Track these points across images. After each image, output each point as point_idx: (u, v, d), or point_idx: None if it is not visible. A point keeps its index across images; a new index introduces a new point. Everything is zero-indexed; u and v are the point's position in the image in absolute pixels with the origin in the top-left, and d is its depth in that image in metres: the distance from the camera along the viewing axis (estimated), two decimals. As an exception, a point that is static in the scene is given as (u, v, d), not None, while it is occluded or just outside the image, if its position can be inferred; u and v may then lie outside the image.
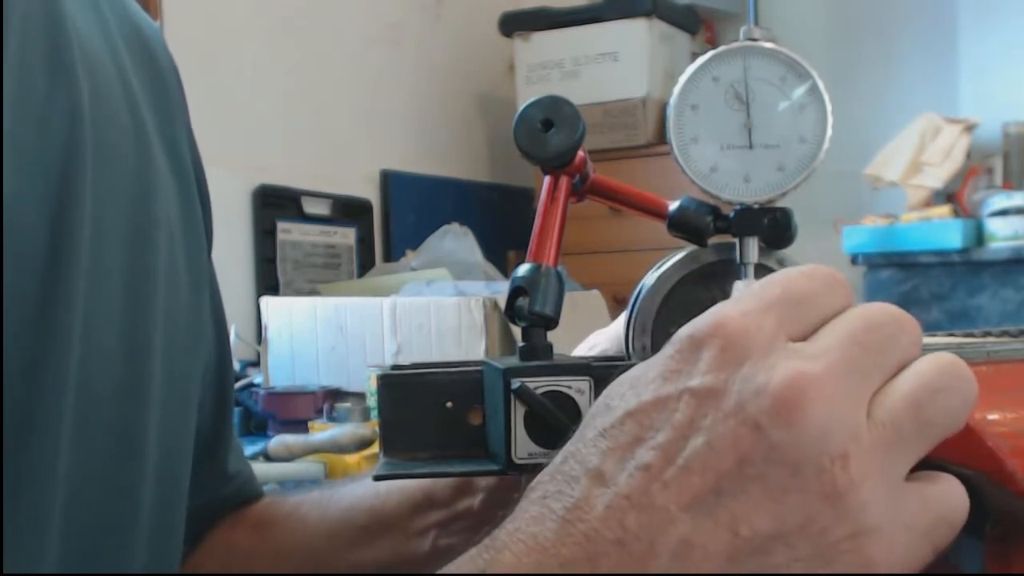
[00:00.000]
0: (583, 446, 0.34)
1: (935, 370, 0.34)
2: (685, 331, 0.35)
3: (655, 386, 0.34)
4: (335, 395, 1.70)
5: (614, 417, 0.34)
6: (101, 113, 0.45)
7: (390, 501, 0.60)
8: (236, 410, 1.73)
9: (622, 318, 0.59)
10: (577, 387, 0.43)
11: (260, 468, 1.36)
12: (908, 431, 0.33)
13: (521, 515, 0.34)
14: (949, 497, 0.34)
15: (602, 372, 0.43)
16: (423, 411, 0.46)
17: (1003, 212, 2.45)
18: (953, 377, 0.34)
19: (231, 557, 0.60)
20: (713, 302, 0.41)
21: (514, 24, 2.87)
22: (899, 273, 2.56)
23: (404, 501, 0.60)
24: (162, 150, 0.53)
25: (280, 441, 1.42)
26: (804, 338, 0.34)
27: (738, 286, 0.43)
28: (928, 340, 0.47)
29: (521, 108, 0.45)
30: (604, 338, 0.56)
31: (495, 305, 1.68)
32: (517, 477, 0.37)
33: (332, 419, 1.56)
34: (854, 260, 2.61)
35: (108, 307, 0.44)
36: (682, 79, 0.43)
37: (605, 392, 0.36)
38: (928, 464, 0.34)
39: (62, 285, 0.40)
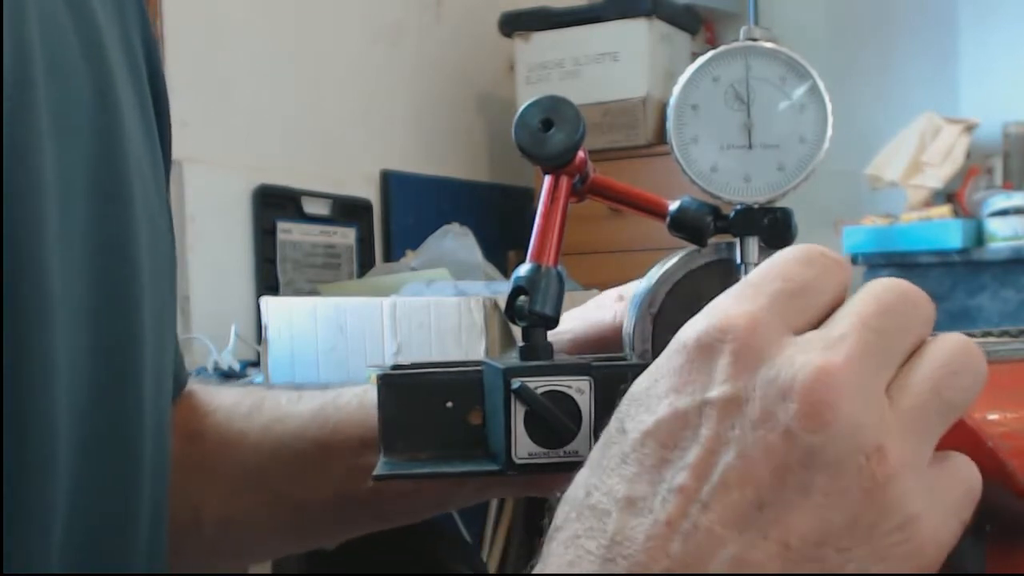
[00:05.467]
0: (605, 476, 0.33)
1: (950, 352, 0.34)
2: (690, 336, 0.33)
3: (670, 400, 0.32)
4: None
5: (632, 440, 0.33)
6: (49, 41, 0.40)
7: (338, 435, 0.58)
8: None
9: (597, 301, 0.59)
10: (577, 387, 0.43)
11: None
12: (931, 414, 0.33)
13: (554, 562, 0.32)
14: (967, 471, 0.34)
15: (602, 372, 0.43)
16: (423, 411, 0.46)
17: (1003, 212, 2.45)
18: (966, 356, 0.34)
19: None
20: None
21: (514, 24, 2.87)
22: (899, 273, 2.56)
23: (352, 437, 0.57)
24: (119, 51, 0.48)
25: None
26: (813, 326, 0.34)
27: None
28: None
29: (521, 108, 0.45)
30: (579, 322, 0.55)
31: (495, 305, 1.68)
32: None
33: (332, 419, 1.56)
34: (854, 260, 2.60)
35: (79, 267, 0.41)
36: (682, 79, 0.43)
37: (616, 414, 0.34)
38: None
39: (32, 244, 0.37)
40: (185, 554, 0.60)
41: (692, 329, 0.33)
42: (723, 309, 0.33)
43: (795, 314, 0.34)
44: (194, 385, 0.64)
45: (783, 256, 0.35)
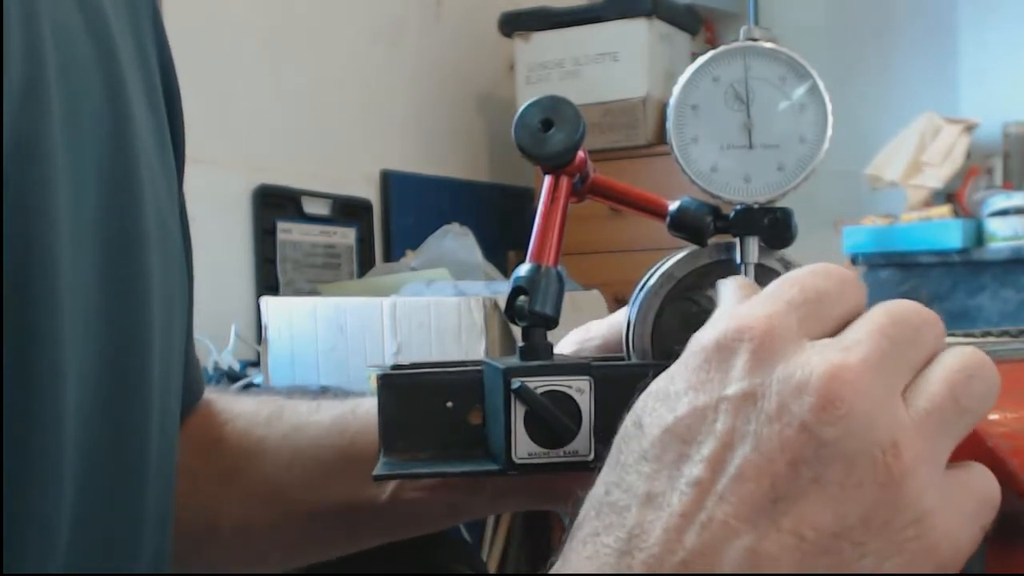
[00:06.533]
0: (624, 473, 0.33)
1: (964, 359, 0.34)
2: (708, 338, 0.34)
3: (688, 399, 0.33)
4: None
5: (651, 436, 0.33)
6: (62, 49, 0.40)
7: (355, 444, 0.58)
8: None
9: (622, 312, 0.59)
10: (577, 387, 0.43)
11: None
12: (949, 417, 0.33)
13: (573, 557, 0.33)
14: (986, 480, 0.34)
15: (602, 372, 0.43)
16: (423, 411, 0.46)
17: (1003, 212, 2.45)
18: (980, 366, 0.34)
19: (178, 480, 0.52)
20: (713, 302, 0.41)
21: (514, 24, 2.87)
22: (899, 273, 2.56)
23: (369, 446, 0.56)
24: (131, 54, 0.48)
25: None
26: (827, 336, 0.34)
27: (724, 285, 0.42)
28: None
29: (521, 108, 0.45)
30: (605, 327, 0.55)
31: (495, 305, 1.68)
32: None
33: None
34: (854, 260, 2.60)
35: (92, 276, 0.41)
36: (682, 79, 0.43)
37: (632, 412, 0.35)
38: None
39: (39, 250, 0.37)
40: (202, 560, 0.60)
41: (711, 331, 0.34)
42: (742, 313, 0.34)
43: (811, 321, 0.34)
44: (212, 394, 0.64)
45: (800, 270, 0.36)
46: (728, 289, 0.38)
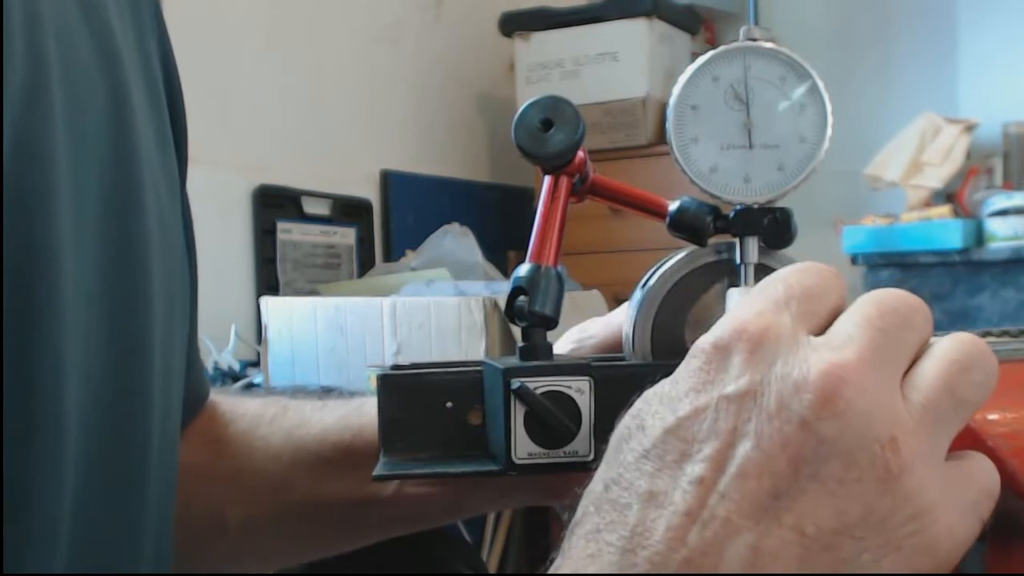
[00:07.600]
0: (624, 471, 0.34)
1: (959, 348, 0.34)
2: (707, 340, 0.34)
3: (690, 399, 0.34)
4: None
5: (653, 437, 0.34)
6: (64, 53, 0.40)
7: (359, 440, 0.58)
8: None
9: (620, 310, 0.59)
10: (577, 387, 0.43)
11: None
12: (945, 410, 0.33)
13: (575, 555, 0.33)
14: (986, 471, 0.34)
15: (602, 372, 0.43)
16: (423, 411, 0.46)
17: (1003, 212, 2.45)
18: (976, 353, 0.34)
19: (184, 478, 0.52)
20: (713, 302, 0.42)
21: (514, 24, 2.87)
22: (899, 273, 2.56)
23: (372, 443, 0.55)
24: (134, 58, 0.48)
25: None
26: (818, 331, 0.35)
27: (732, 294, 0.43)
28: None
29: (521, 108, 0.45)
30: (602, 326, 0.56)
31: (495, 305, 1.68)
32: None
33: (332, 419, 1.56)
34: (854, 260, 2.60)
35: (94, 280, 0.41)
36: (682, 79, 0.43)
37: (633, 412, 0.35)
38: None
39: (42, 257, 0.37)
40: (209, 557, 0.60)
41: (709, 335, 0.35)
42: (736, 315, 0.35)
43: (802, 316, 0.35)
44: (217, 396, 0.65)
45: (782, 270, 0.37)
46: (734, 298, 0.39)
